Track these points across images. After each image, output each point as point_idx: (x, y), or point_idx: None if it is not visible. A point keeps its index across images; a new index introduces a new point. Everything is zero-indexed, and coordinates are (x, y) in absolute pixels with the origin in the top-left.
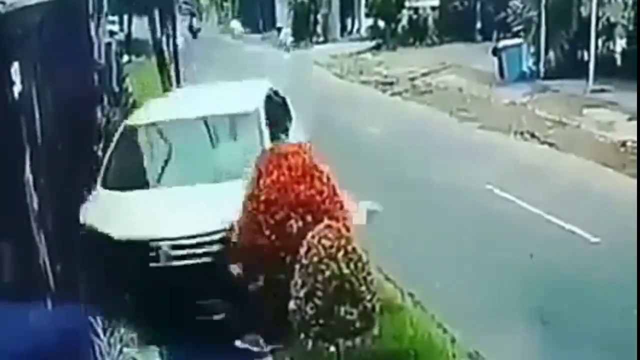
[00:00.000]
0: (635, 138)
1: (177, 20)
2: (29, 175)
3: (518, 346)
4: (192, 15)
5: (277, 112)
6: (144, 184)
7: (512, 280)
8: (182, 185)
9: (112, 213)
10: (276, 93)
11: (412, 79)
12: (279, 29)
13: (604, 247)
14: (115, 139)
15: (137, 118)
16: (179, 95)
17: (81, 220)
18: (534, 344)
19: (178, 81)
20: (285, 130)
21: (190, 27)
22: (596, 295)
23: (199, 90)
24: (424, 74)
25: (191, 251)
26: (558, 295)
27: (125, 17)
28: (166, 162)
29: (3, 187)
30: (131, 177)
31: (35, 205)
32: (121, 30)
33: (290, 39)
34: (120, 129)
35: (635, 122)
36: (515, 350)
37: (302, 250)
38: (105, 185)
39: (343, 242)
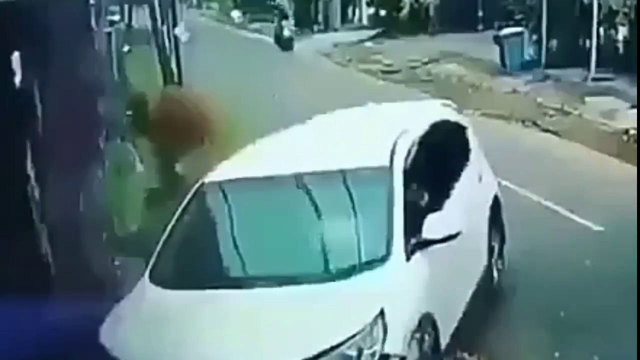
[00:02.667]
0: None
1: (178, 10)
2: (30, 167)
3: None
4: (284, 17)
5: (436, 157)
6: (219, 280)
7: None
8: (276, 286)
9: (168, 329)
10: (447, 123)
11: (414, 68)
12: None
13: (607, 235)
14: (181, 206)
15: (220, 173)
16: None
17: (102, 339)
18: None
19: (179, 73)
20: (449, 184)
21: (278, 37)
22: (598, 283)
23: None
24: (425, 63)
25: None
26: (560, 283)
27: (126, 6)
28: (251, 243)
29: (4, 179)
30: (202, 267)
31: (37, 198)
32: (122, 19)
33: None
34: (194, 188)
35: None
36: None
37: None
38: (156, 279)
39: None
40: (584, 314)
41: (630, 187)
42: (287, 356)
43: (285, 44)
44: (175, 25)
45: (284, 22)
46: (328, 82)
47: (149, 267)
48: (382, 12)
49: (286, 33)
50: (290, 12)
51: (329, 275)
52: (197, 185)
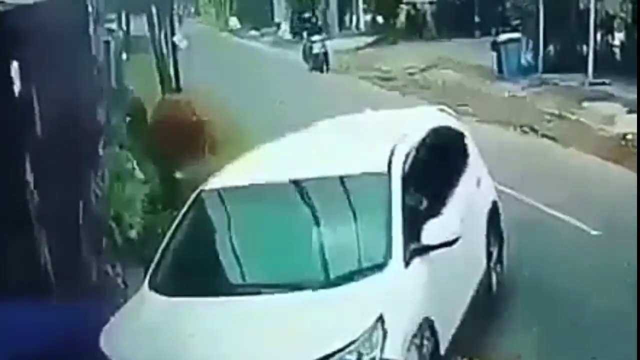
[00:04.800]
0: (635, 131)
1: (175, 18)
2: (29, 174)
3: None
4: (315, 32)
5: (435, 163)
6: (219, 287)
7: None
8: (275, 293)
9: (167, 336)
10: (445, 128)
11: (411, 74)
12: (278, 25)
13: (604, 240)
14: (181, 214)
15: (219, 180)
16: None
17: (102, 346)
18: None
19: (177, 81)
20: (447, 189)
21: (307, 55)
22: (596, 288)
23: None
24: (422, 69)
25: None
26: (558, 288)
27: (124, 15)
28: (250, 250)
29: (3, 185)
30: (201, 274)
31: (36, 204)
32: (120, 28)
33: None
34: (193, 196)
35: (635, 115)
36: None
37: None
38: (155, 287)
39: None
40: (583, 318)
41: (628, 192)
42: None
43: (315, 63)
44: (172, 33)
45: (315, 37)
46: (326, 89)
47: (149, 274)
48: (380, 19)
49: (316, 50)
50: (322, 25)
51: (328, 281)
52: (195, 193)
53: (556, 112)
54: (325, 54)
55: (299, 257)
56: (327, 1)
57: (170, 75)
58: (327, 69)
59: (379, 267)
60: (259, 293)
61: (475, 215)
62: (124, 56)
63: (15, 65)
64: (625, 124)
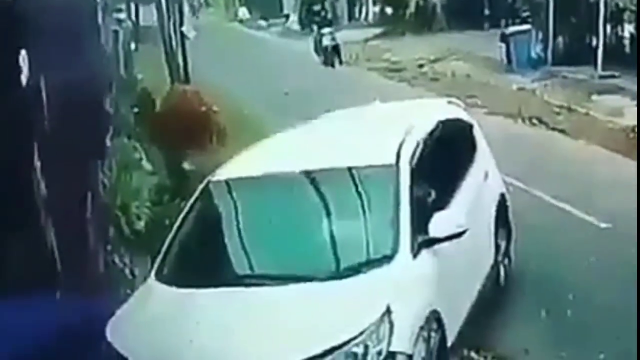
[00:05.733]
0: None
1: (189, 9)
2: (37, 164)
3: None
4: (325, 25)
5: (443, 155)
6: (226, 278)
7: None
8: (283, 284)
9: (174, 327)
10: (454, 121)
11: (420, 66)
12: (286, 16)
13: (615, 232)
14: (188, 205)
15: (227, 171)
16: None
17: (109, 337)
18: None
19: (186, 71)
20: (455, 182)
21: (317, 48)
22: (605, 281)
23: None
24: (432, 61)
25: None
26: (567, 281)
27: (133, 5)
28: (259, 241)
29: (11, 175)
30: (209, 265)
31: (44, 194)
32: (129, 18)
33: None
34: (201, 186)
35: None
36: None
37: None
38: (162, 278)
39: None
40: (591, 312)
41: (636, 185)
42: (293, 353)
43: (326, 57)
44: (181, 23)
45: (324, 30)
46: (334, 80)
47: (155, 265)
48: (389, 10)
49: (326, 42)
50: (332, 18)
51: (335, 273)
52: (203, 184)
53: (565, 104)
54: (336, 47)
55: (307, 248)
56: None
57: (178, 66)
58: (340, 62)
59: (387, 259)
60: (266, 284)
61: (483, 208)
62: (133, 46)
63: (23, 54)
64: (634, 116)
